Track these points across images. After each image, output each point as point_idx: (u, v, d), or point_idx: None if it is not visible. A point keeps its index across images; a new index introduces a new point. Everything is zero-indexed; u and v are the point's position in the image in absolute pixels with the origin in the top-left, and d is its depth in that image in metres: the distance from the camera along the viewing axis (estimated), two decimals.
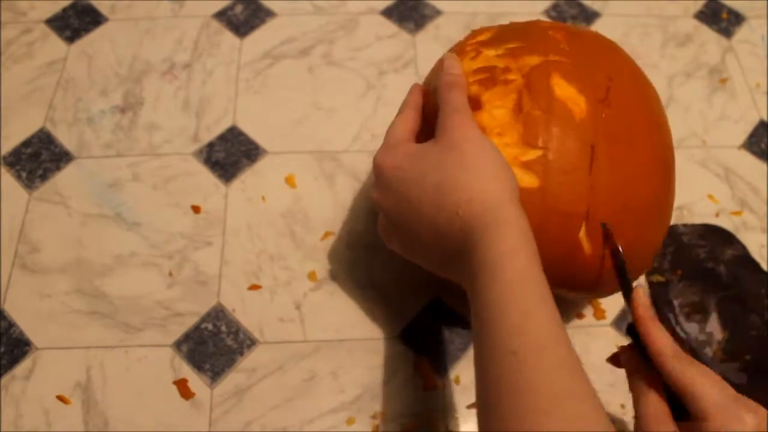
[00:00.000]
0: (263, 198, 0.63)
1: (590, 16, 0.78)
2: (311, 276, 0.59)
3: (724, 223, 0.63)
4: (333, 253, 0.60)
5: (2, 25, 0.74)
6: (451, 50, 0.50)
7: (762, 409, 0.37)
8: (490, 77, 0.45)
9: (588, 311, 0.58)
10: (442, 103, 0.43)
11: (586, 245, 0.43)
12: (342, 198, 0.63)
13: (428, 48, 0.73)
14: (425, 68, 0.64)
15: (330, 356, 0.55)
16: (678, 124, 0.69)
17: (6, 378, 0.53)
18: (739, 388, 0.40)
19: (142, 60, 0.72)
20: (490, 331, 0.35)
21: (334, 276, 0.59)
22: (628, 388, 0.42)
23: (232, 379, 0.54)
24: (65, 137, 0.66)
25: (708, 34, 0.77)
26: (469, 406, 0.53)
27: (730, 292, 0.59)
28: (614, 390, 0.52)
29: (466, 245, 0.38)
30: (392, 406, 0.53)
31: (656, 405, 0.40)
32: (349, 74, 0.71)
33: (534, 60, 0.45)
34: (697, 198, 0.65)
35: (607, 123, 0.44)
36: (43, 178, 0.64)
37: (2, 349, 0.55)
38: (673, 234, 0.62)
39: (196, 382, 0.54)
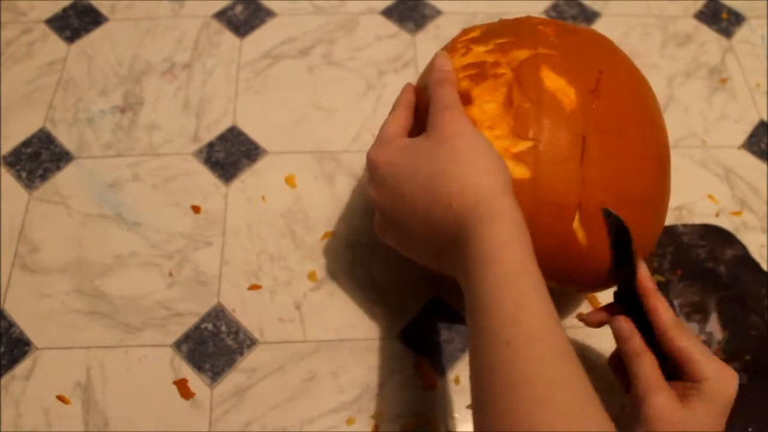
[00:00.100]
0: (263, 198, 0.63)
1: (590, 16, 0.78)
2: (311, 276, 0.59)
3: (724, 223, 0.63)
4: (333, 253, 0.60)
5: (2, 25, 0.74)
6: (443, 49, 0.50)
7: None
8: (480, 72, 0.45)
9: (587, 310, 0.58)
10: (433, 100, 0.43)
11: (581, 236, 0.43)
12: (342, 198, 0.63)
13: (428, 48, 0.73)
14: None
15: (330, 356, 0.55)
16: (678, 124, 0.70)
17: (6, 378, 0.53)
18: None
19: (142, 60, 0.72)
20: (483, 321, 0.35)
21: (334, 276, 0.59)
22: (619, 351, 0.45)
23: (232, 379, 0.54)
24: (65, 137, 0.66)
25: (708, 34, 0.77)
26: (469, 406, 0.53)
27: (730, 292, 0.59)
28: (614, 390, 0.52)
29: (459, 238, 0.38)
30: (392, 406, 0.53)
31: (653, 366, 0.42)
32: (349, 74, 0.71)
33: (523, 54, 0.45)
34: (697, 198, 0.65)
35: (597, 114, 0.44)
36: (43, 178, 0.64)
37: (2, 349, 0.55)
38: (673, 234, 0.62)
39: (196, 382, 0.54)
